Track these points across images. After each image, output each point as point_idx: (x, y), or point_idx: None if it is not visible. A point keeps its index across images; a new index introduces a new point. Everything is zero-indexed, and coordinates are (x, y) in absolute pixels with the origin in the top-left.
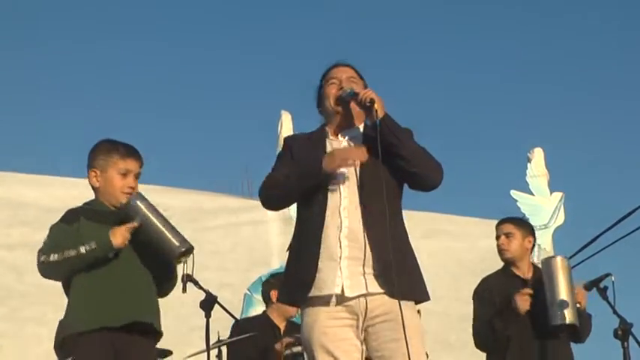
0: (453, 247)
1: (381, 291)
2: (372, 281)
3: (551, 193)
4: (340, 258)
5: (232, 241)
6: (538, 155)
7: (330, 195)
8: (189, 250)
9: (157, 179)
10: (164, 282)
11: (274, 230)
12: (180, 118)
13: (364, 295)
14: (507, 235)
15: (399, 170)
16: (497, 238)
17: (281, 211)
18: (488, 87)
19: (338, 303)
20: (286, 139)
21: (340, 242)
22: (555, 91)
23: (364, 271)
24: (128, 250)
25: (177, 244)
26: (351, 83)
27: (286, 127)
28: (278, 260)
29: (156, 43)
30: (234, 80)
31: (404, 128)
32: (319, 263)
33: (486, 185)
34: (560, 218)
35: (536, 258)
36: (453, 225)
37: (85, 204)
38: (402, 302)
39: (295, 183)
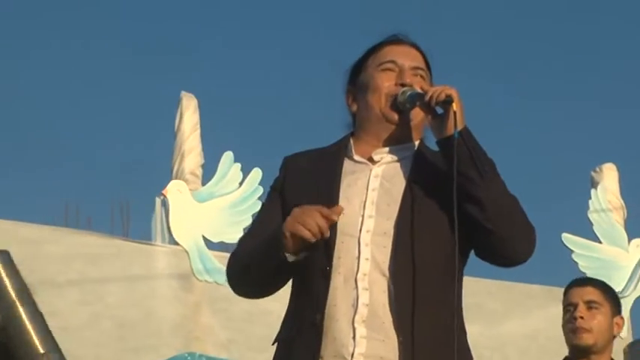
0: None
1: None
2: None
3: (630, 240)
4: (352, 356)
5: (91, 312)
6: (609, 175)
7: (339, 250)
8: None
9: None
10: None
11: (165, 292)
12: None
13: None
14: (590, 306)
15: (468, 221)
16: (569, 307)
17: (177, 257)
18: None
19: None
20: (284, 162)
21: (354, 330)
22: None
23: None
24: None
25: None
26: (415, 79)
27: (189, 117)
28: (173, 349)
29: None
30: None
31: (487, 156)
32: None
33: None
34: None
35: None
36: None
37: None
38: None
39: (255, 267)
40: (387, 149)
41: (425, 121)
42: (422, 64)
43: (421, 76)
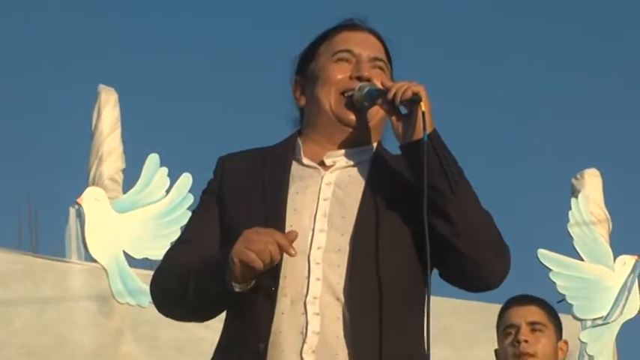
0: None
1: None
2: None
3: (615, 257)
4: None
5: None
6: (591, 183)
7: (286, 269)
8: None
9: None
10: None
11: (80, 316)
12: None
13: None
14: (534, 328)
15: (435, 239)
16: (510, 329)
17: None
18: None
19: None
20: (219, 163)
21: None
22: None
23: None
24: None
25: None
26: (374, 72)
27: (108, 114)
28: None
29: None
30: None
31: (457, 164)
32: None
33: None
34: (634, 304)
35: None
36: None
37: None
38: None
39: (191, 291)
40: (340, 152)
41: (384, 121)
42: (382, 55)
43: (380, 69)
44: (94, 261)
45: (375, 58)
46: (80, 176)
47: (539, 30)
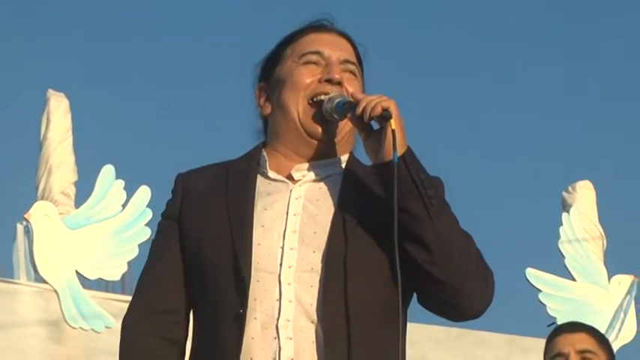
0: None
1: None
2: None
3: (610, 277)
4: None
5: None
6: (584, 196)
7: (255, 291)
8: None
9: None
10: None
11: (30, 343)
12: None
13: None
14: (584, 356)
15: (409, 264)
16: (558, 359)
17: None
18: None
19: None
20: (178, 182)
21: None
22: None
23: None
24: None
25: None
26: (345, 76)
27: (58, 122)
28: None
29: None
30: None
31: (439, 189)
32: None
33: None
34: (630, 328)
35: None
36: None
37: None
38: None
39: None
40: (309, 165)
41: (355, 132)
42: (352, 57)
43: (351, 72)
44: (44, 282)
45: (346, 61)
46: (28, 190)
47: (536, 35)
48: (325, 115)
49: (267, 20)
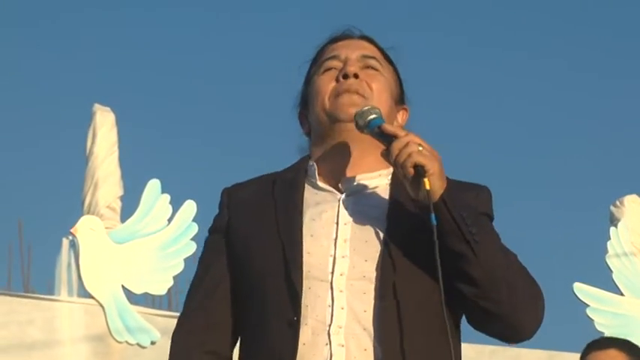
0: None
1: None
2: None
3: None
4: None
5: None
6: (632, 210)
7: (306, 298)
8: None
9: None
10: None
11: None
12: None
13: None
14: None
15: (460, 297)
16: None
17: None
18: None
19: None
20: (224, 196)
21: None
22: None
23: None
24: None
25: None
26: (366, 72)
27: (104, 136)
28: None
29: None
30: None
31: (482, 218)
32: None
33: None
34: None
35: None
36: None
37: None
38: None
39: None
40: (357, 176)
41: None
42: (374, 53)
43: (373, 68)
44: (88, 297)
45: (364, 56)
46: (74, 204)
47: (580, 58)
48: (356, 127)
49: (312, 37)
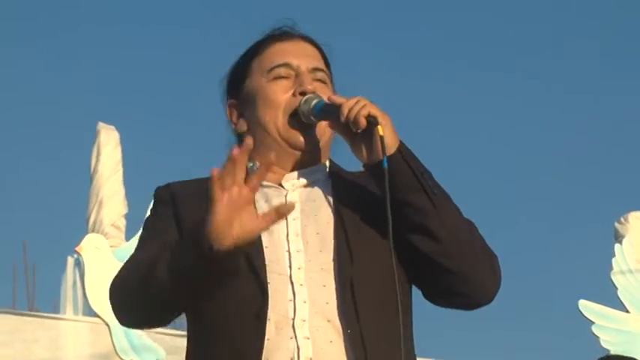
0: None
1: None
2: None
3: None
4: None
5: None
6: (636, 227)
7: (272, 286)
8: None
9: None
10: None
11: None
12: None
13: None
14: None
15: (416, 256)
16: None
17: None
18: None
19: None
20: (160, 192)
21: None
22: None
23: None
24: None
25: None
26: (316, 85)
27: (109, 154)
28: None
29: None
30: None
31: (431, 175)
32: None
33: (527, 288)
34: None
35: None
36: None
37: None
38: None
39: (166, 277)
40: (295, 173)
41: (333, 137)
42: (321, 64)
43: (322, 81)
44: (93, 315)
45: (315, 69)
46: (79, 223)
47: (584, 68)
48: (302, 118)
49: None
